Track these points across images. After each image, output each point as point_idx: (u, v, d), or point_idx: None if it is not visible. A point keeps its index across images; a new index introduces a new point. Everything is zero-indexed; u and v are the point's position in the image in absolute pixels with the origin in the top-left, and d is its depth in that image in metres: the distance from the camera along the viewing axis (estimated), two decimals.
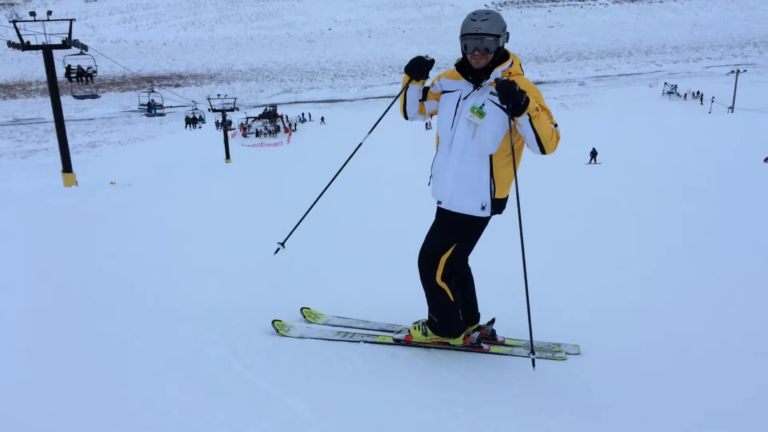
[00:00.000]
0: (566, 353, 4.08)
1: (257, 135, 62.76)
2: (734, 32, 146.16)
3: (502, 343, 4.19)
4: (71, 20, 22.44)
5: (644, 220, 9.22)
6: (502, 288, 5.11)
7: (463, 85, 3.69)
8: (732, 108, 66.26)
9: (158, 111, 40.76)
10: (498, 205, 3.75)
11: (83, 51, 23.20)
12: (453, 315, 3.92)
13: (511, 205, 3.77)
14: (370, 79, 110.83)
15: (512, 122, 3.52)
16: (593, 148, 33.49)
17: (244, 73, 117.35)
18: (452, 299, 3.87)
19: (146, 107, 41.13)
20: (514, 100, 3.32)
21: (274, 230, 8.00)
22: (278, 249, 4.27)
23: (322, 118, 72.86)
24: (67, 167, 23.35)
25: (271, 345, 4.09)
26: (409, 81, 3.87)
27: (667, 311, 5.02)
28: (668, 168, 20.10)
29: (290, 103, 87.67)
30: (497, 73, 3.58)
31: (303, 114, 74.55)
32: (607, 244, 7.53)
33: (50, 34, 21.86)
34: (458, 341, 4.05)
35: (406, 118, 4.05)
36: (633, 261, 6.59)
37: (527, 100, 3.34)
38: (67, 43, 22.06)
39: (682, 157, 28.08)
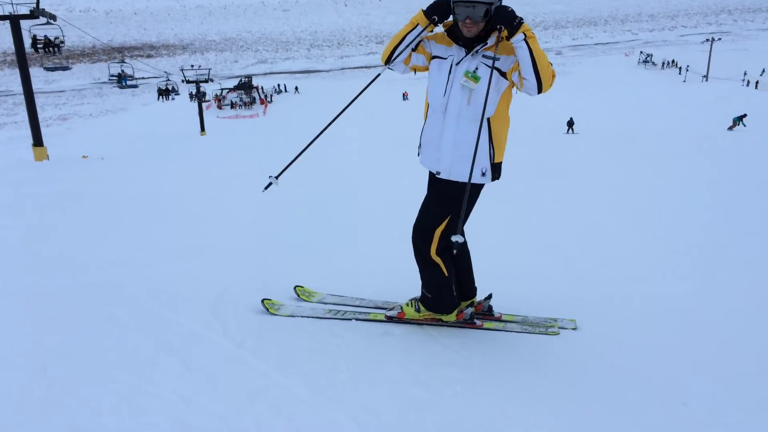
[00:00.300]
0: (559, 328, 4.04)
1: (232, 107, 61.89)
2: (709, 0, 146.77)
3: (498, 319, 4.13)
4: None
5: (627, 192, 9.28)
6: (498, 263, 5.09)
7: (455, 51, 3.56)
8: (706, 77, 66.71)
9: (129, 83, 39.78)
10: (497, 170, 3.67)
11: (50, 21, 22.48)
12: (447, 290, 3.84)
13: (505, 174, 3.75)
14: (347, 49, 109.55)
15: (502, 79, 3.51)
16: (570, 118, 33.56)
17: (217, 43, 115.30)
18: (446, 274, 3.78)
19: (116, 78, 40.07)
20: (507, 18, 3.32)
21: (258, 206, 7.89)
22: (270, 184, 3.81)
23: (296, 88, 72.47)
24: (37, 141, 22.79)
25: (261, 324, 4.00)
26: (426, 26, 3.58)
27: (662, 284, 5.05)
28: (645, 138, 20.26)
29: (265, 74, 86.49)
30: (493, 40, 3.48)
31: (279, 85, 73.68)
32: (596, 217, 7.56)
33: (17, 4, 21.15)
34: (451, 317, 3.98)
35: (388, 60, 3.66)
36: (624, 234, 6.64)
37: (521, 21, 3.32)
38: (35, 13, 21.36)
39: (657, 127, 28.28)
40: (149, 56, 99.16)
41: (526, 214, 7.64)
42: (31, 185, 10.41)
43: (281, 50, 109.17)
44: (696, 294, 4.81)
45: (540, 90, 3.36)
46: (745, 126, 31.59)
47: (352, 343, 3.75)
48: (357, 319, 4.11)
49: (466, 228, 3.93)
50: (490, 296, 4.13)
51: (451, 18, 3.56)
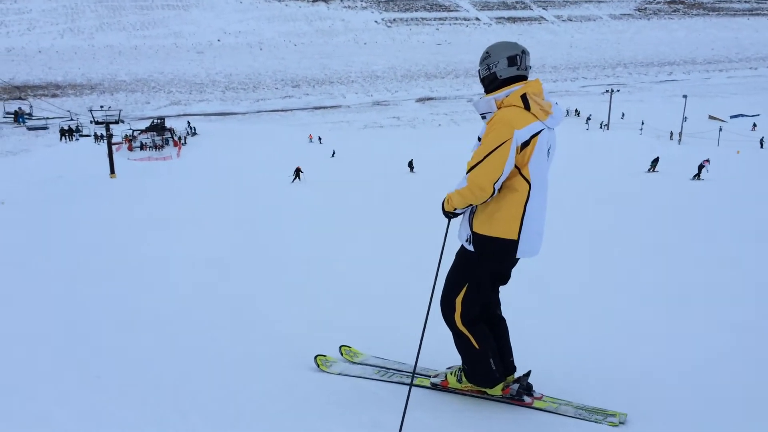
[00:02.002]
0: (609, 421, 3.59)
1: (142, 148, 59.81)
2: (606, 54, 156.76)
3: (539, 399, 3.82)
4: None
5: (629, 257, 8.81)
6: (538, 340, 4.76)
7: None
8: (607, 126, 70.66)
9: (38, 124, 37.81)
10: (480, 243, 3.46)
11: None
12: (482, 364, 3.63)
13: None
14: (263, 92, 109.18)
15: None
16: None
17: (128, 83, 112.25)
18: (477, 347, 3.60)
19: (13, 116, 37.88)
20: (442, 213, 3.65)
21: (193, 261, 7.39)
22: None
23: (194, 128, 68.29)
24: None
25: (235, 418, 3.48)
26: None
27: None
28: (569, 184, 20.88)
29: (179, 115, 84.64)
30: (483, 99, 3.49)
31: (191, 127, 70.57)
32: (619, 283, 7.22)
33: None
34: (496, 392, 3.74)
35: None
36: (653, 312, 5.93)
37: (443, 208, 3.63)
38: None
39: (575, 173, 29.43)
40: (54, 95, 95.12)
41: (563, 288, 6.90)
42: None
43: (195, 92, 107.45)
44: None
45: (485, 199, 3.37)
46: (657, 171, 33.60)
47: None
48: (403, 383, 3.96)
49: (502, 300, 3.87)
50: (528, 373, 3.85)
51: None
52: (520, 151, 3.30)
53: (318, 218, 12.59)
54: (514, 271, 3.76)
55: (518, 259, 3.58)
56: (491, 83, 3.51)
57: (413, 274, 5.95)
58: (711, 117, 77.65)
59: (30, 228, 11.63)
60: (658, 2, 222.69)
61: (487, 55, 3.52)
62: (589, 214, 13.56)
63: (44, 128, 37.17)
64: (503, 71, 3.46)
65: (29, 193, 27.11)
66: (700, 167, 30.27)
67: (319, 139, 63.10)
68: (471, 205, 3.44)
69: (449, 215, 3.60)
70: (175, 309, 5.66)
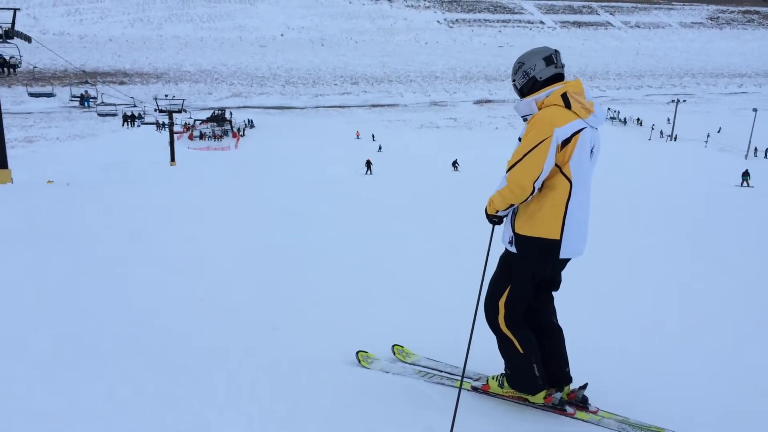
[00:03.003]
0: None
1: (201, 137, 61.22)
2: (674, 63, 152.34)
3: (594, 414, 3.69)
4: (15, 9, 21.33)
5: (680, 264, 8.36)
6: (598, 350, 4.60)
7: None
8: (671, 137, 68.62)
9: (108, 110, 38.79)
10: (523, 244, 3.41)
11: (7, 41, 21.94)
12: (525, 369, 3.57)
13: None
14: (322, 87, 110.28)
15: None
16: None
17: (192, 74, 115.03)
18: (521, 351, 3.55)
19: (78, 99, 38.90)
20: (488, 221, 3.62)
21: (250, 251, 7.41)
22: None
23: (251, 122, 70.37)
24: (2, 163, 22.14)
25: (289, 410, 3.48)
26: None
27: None
28: (647, 197, 20.18)
29: (239, 107, 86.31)
30: (523, 101, 3.48)
31: (248, 120, 72.15)
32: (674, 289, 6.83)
33: None
34: (538, 399, 3.67)
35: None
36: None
37: (487, 216, 3.59)
38: (9, 34, 20.95)
39: (648, 185, 28.50)
40: (122, 83, 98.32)
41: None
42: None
43: (256, 85, 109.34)
44: None
45: (525, 198, 3.34)
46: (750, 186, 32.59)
47: None
48: (444, 385, 3.98)
49: (557, 306, 3.76)
50: (585, 386, 3.73)
51: None
52: (561, 149, 3.27)
53: (369, 214, 12.54)
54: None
55: (566, 261, 3.53)
56: (531, 88, 3.50)
57: (462, 275, 5.87)
58: None
59: (92, 210, 11.98)
60: (732, 12, 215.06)
61: (521, 65, 3.52)
62: (684, 230, 12.88)
63: (113, 114, 38.11)
64: (542, 72, 3.46)
65: (94, 176, 28.07)
66: None
67: (372, 136, 63.56)
68: (512, 205, 3.40)
69: (493, 220, 3.57)
70: (233, 298, 5.71)
